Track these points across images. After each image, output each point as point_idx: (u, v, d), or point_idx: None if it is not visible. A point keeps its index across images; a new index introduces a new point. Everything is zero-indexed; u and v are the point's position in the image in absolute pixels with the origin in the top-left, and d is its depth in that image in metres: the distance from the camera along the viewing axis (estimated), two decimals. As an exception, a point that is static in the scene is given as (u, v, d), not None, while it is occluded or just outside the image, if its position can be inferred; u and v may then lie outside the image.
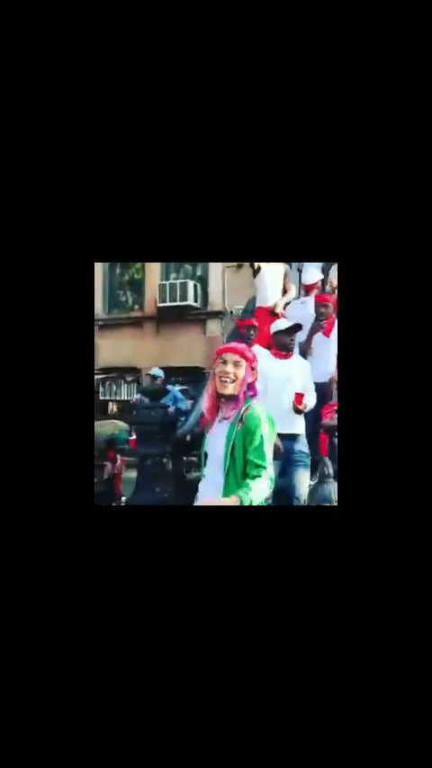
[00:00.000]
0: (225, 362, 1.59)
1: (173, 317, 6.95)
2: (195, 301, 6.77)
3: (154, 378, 5.31)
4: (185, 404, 4.78)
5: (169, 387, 5.05)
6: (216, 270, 6.77)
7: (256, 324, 3.10)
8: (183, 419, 4.00)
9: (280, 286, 4.25)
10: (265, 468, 1.42)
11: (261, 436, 1.49)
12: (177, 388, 5.52)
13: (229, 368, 1.58)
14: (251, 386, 1.63)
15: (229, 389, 1.59)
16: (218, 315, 6.73)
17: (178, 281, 6.74)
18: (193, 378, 3.20)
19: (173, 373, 6.06)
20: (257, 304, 4.27)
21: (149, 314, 6.95)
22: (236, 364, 1.58)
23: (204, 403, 1.67)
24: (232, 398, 1.60)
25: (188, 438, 3.87)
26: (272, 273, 4.15)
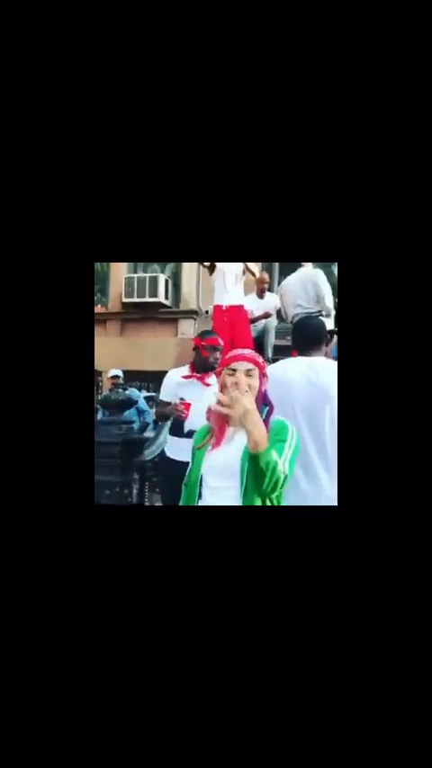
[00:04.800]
0: (235, 372, 1.47)
1: (140, 315, 6.21)
2: (166, 298, 6.06)
3: (116, 382, 4.59)
4: (151, 415, 4.10)
5: (131, 391, 4.32)
6: (190, 265, 6.08)
7: (222, 343, 2.81)
8: (150, 439, 3.32)
9: (240, 283, 4.09)
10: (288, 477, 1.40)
11: (296, 446, 1.44)
12: (143, 394, 4.84)
13: (242, 378, 1.45)
14: (265, 395, 1.51)
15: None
16: (191, 314, 6.05)
17: (147, 275, 6.02)
18: (160, 382, 2.75)
19: (137, 377, 5.36)
20: (215, 302, 4.05)
21: (113, 311, 6.18)
22: (248, 374, 1.47)
23: (212, 422, 1.54)
24: None
25: (156, 460, 3.20)
26: (230, 270, 3.96)
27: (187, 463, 2.39)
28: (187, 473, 1.56)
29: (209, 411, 1.58)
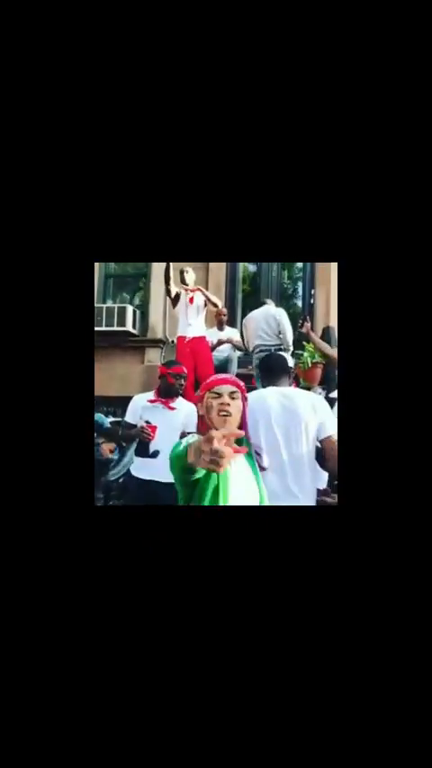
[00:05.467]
0: (220, 395, 1.46)
1: (108, 344, 6.44)
2: (134, 327, 6.31)
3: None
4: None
5: (97, 416, 4.53)
6: (157, 296, 6.39)
7: (186, 372, 3.04)
8: (115, 459, 3.53)
9: (202, 316, 4.33)
10: None
11: None
12: (109, 419, 5.03)
13: (228, 399, 1.45)
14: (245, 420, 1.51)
15: (232, 423, 1.43)
16: (158, 343, 6.30)
17: (116, 305, 6.27)
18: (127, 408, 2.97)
19: (104, 402, 5.54)
20: (178, 333, 4.30)
21: (83, 338, 6.38)
22: (232, 396, 1.47)
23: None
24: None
25: (121, 480, 3.41)
26: (195, 301, 4.20)
27: (151, 481, 2.57)
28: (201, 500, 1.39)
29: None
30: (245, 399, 1.51)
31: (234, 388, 1.48)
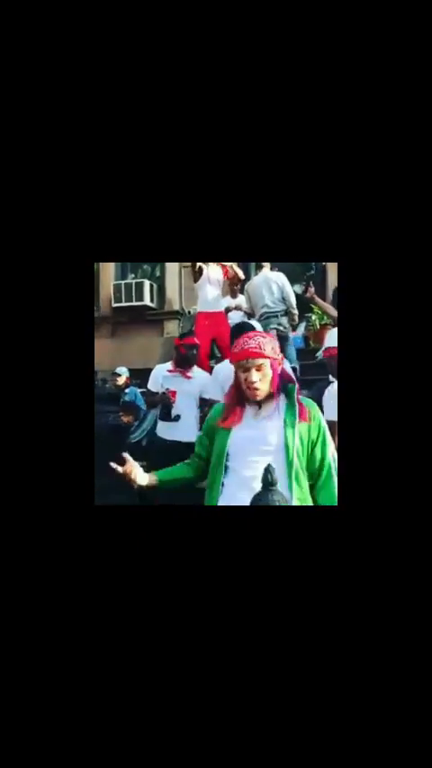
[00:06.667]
0: (248, 369, 1.49)
1: (129, 318, 6.77)
2: (152, 301, 6.61)
3: (117, 376, 5.17)
4: (143, 402, 4.65)
5: (130, 390, 4.92)
6: (172, 270, 6.65)
7: (198, 342, 3.19)
8: (135, 423, 3.88)
9: (220, 291, 4.32)
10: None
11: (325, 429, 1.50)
12: (138, 390, 5.42)
13: (254, 375, 1.48)
14: (284, 373, 1.55)
15: (262, 393, 1.50)
16: (175, 315, 6.59)
17: (134, 281, 6.56)
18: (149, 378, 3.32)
19: (133, 375, 5.92)
20: (199, 309, 4.36)
21: (104, 314, 6.73)
22: (259, 368, 1.49)
23: (227, 407, 1.55)
24: (269, 397, 1.52)
25: (143, 443, 3.76)
26: (213, 276, 4.24)
27: (176, 442, 2.72)
28: (203, 447, 1.59)
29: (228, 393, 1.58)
30: (275, 361, 1.50)
31: (261, 361, 1.47)
